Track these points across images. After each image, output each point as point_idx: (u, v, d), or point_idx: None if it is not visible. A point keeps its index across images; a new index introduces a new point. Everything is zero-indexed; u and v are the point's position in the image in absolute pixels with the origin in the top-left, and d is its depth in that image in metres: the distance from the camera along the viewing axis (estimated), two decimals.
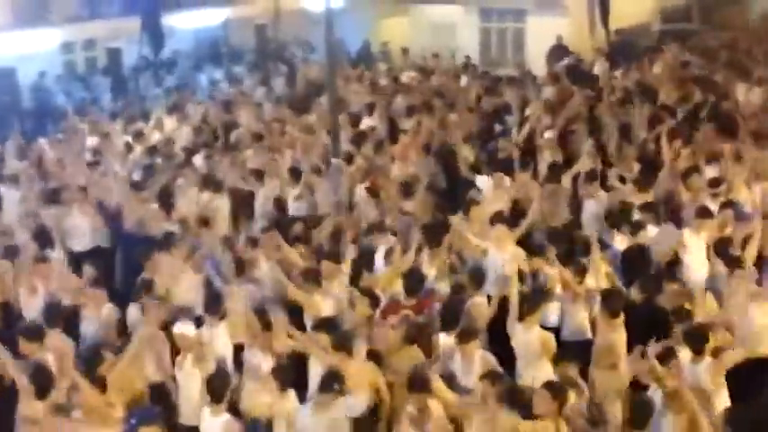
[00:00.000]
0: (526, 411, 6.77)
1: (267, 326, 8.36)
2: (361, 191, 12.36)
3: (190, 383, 8.04)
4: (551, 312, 9.16)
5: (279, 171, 12.87)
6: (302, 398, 7.80)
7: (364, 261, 10.20)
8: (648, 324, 8.27)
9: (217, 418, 7.22)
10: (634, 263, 9.78)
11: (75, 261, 11.16)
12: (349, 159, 13.36)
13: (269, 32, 23.65)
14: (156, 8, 19.93)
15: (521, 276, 9.13)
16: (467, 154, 13.70)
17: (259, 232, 10.92)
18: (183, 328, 8.14)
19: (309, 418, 7.20)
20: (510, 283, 8.62)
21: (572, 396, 7.02)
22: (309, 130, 15.29)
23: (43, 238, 10.90)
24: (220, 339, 8.55)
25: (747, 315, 8.43)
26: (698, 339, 7.54)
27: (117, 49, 20.91)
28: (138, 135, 15.25)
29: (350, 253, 10.18)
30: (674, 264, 9.89)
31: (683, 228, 10.24)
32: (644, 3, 26.10)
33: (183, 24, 21.46)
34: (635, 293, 9.11)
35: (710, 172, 11.69)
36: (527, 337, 8.20)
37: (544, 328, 8.56)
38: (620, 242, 10.15)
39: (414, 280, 9.10)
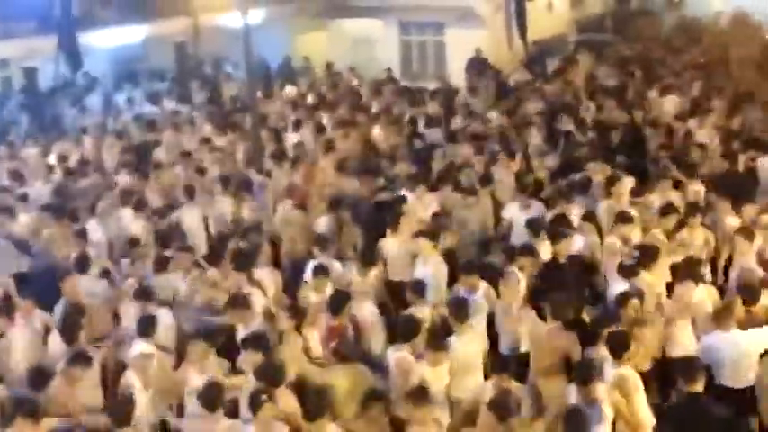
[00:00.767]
0: None
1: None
2: (286, 207, 12.34)
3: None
4: (479, 323, 9.21)
5: (207, 188, 12.79)
6: None
7: (294, 276, 10.20)
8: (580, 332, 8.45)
9: None
10: (558, 271, 9.93)
11: None
12: (271, 176, 13.32)
13: (188, 50, 23.46)
14: (72, 27, 19.58)
15: (452, 290, 9.23)
16: (392, 167, 13.81)
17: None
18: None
19: None
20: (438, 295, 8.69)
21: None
22: (232, 147, 15.21)
23: None
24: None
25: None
26: (619, 346, 7.73)
27: (33, 68, 20.49)
28: (62, 158, 14.96)
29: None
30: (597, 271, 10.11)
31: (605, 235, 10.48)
32: (560, 14, 26.67)
33: (100, 43, 21.09)
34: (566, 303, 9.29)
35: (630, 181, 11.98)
36: (463, 349, 8.26)
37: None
38: (545, 251, 10.28)
39: (338, 300, 9.00)
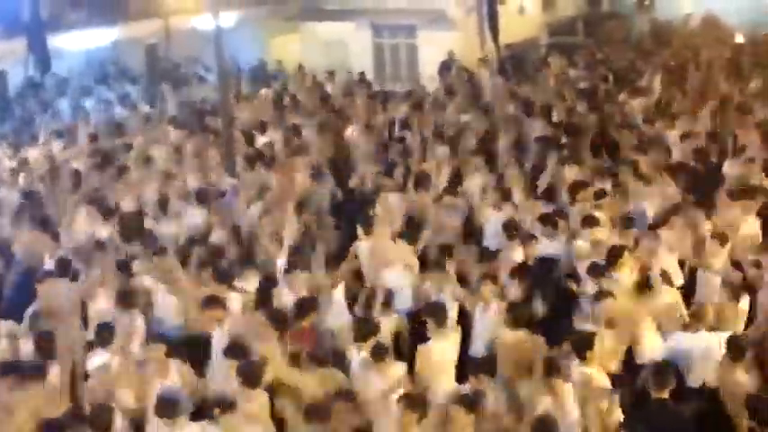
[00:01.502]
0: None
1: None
2: (258, 209, 12.28)
3: None
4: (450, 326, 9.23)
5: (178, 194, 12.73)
6: None
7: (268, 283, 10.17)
8: (547, 334, 8.48)
9: None
10: (536, 274, 9.98)
11: None
12: (244, 178, 13.27)
13: (160, 52, 23.34)
14: (41, 29, 19.44)
15: (423, 292, 9.22)
16: (365, 170, 13.81)
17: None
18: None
19: None
20: (411, 298, 8.69)
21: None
22: (204, 150, 15.14)
23: None
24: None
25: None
26: (583, 346, 7.78)
27: (1, 71, 20.31)
28: (23, 162, 14.81)
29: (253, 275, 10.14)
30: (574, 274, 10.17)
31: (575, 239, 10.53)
32: (532, 18, 26.80)
33: (70, 45, 20.96)
34: (537, 305, 9.36)
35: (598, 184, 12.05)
36: (433, 350, 8.26)
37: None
38: (519, 254, 10.31)
39: (305, 304, 9.02)
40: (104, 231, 11.73)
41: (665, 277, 9.44)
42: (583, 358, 7.73)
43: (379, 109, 17.95)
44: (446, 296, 9.28)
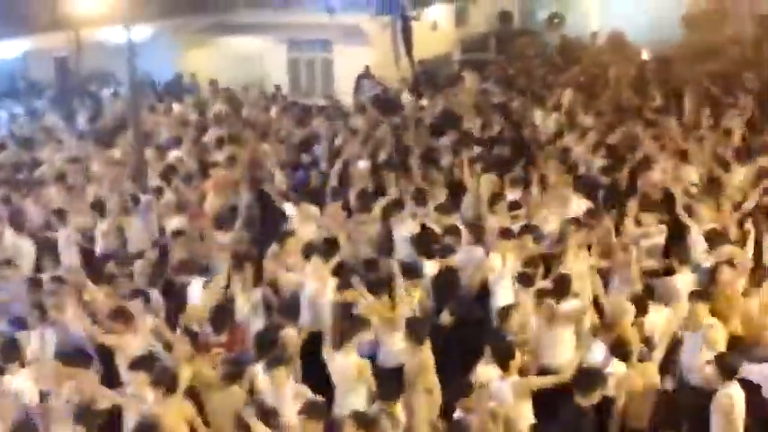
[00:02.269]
0: None
1: (75, 370, 8.06)
2: (175, 224, 12.14)
3: None
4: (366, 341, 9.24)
5: (83, 209, 12.51)
6: None
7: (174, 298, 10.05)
8: (460, 346, 8.58)
9: None
10: (444, 287, 10.09)
11: None
12: (159, 193, 13.12)
13: (70, 65, 22.87)
14: None
15: (337, 306, 9.23)
16: (280, 184, 13.78)
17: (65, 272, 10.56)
18: None
19: None
20: (325, 313, 8.69)
21: (386, 425, 7.19)
22: (115, 164, 14.90)
23: None
24: (24, 386, 8.16)
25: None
26: (504, 356, 7.90)
27: None
28: None
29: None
30: (484, 286, 10.30)
31: (489, 250, 10.68)
32: (445, 34, 27.15)
33: None
34: (445, 317, 9.46)
35: (512, 196, 12.28)
36: (344, 365, 8.26)
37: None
38: (431, 267, 10.40)
39: (220, 316, 8.98)
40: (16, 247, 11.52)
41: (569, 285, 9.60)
42: (505, 369, 7.84)
43: (294, 123, 17.93)
44: (359, 307, 9.29)
